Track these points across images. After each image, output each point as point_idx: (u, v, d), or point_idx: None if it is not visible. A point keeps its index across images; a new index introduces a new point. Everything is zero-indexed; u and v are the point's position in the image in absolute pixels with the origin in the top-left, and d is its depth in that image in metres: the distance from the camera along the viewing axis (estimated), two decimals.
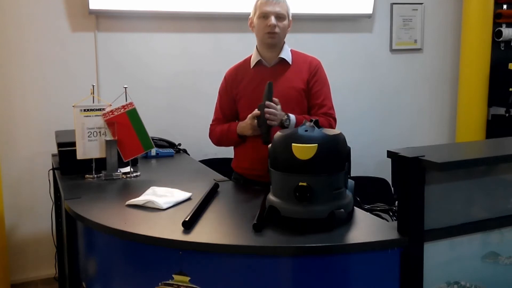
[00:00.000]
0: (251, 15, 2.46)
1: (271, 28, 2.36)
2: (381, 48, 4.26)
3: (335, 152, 1.71)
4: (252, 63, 2.48)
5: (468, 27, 4.24)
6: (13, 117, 3.32)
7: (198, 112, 3.56)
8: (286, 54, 2.46)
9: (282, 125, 2.25)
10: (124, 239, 1.77)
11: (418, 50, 4.38)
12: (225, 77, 2.57)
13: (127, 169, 2.49)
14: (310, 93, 2.44)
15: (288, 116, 2.28)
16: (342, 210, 1.70)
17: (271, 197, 1.75)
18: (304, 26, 3.82)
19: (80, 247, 2.16)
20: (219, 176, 2.49)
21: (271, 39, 2.40)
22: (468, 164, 1.70)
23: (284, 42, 2.47)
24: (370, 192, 3.00)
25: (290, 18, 2.45)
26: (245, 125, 2.36)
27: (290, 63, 2.45)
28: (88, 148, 2.42)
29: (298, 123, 2.26)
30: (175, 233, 1.69)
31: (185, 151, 3.19)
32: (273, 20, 2.36)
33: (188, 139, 3.30)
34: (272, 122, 2.23)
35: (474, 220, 1.75)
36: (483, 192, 1.79)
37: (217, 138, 2.55)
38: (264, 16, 2.38)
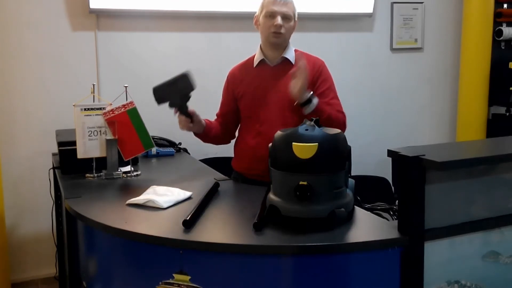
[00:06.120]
0: (257, 13, 2.45)
1: (277, 28, 2.35)
2: (382, 47, 4.26)
3: (336, 151, 1.71)
4: (255, 62, 2.49)
5: (468, 26, 4.24)
6: (13, 116, 3.32)
7: (199, 111, 3.51)
8: (289, 54, 2.46)
9: (303, 102, 2.23)
10: (125, 238, 1.77)
11: (419, 49, 4.38)
12: (227, 76, 2.59)
13: (128, 168, 2.48)
14: (317, 93, 2.44)
15: (312, 95, 2.27)
16: (343, 209, 1.70)
17: (271, 196, 1.75)
18: (305, 25, 3.80)
19: (80, 246, 2.15)
20: (220, 175, 2.49)
21: (276, 39, 2.39)
22: (469, 163, 1.70)
23: (288, 42, 2.47)
24: (371, 191, 3.00)
25: (296, 19, 2.44)
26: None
27: (293, 63, 2.45)
28: (89, 147, 2.42)
29: (318, 110, 2.26)
30: (176, 232, 1.69)
31: (185, 150, 3.19)
32: (279, 20, 2.35)
33: (188, 138, 3.27)
34: (298, 78, 2.20)
35: (474, 219, 1.74)
36: (484, 191, 1.79)
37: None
38: (271, 15, 2.36)
